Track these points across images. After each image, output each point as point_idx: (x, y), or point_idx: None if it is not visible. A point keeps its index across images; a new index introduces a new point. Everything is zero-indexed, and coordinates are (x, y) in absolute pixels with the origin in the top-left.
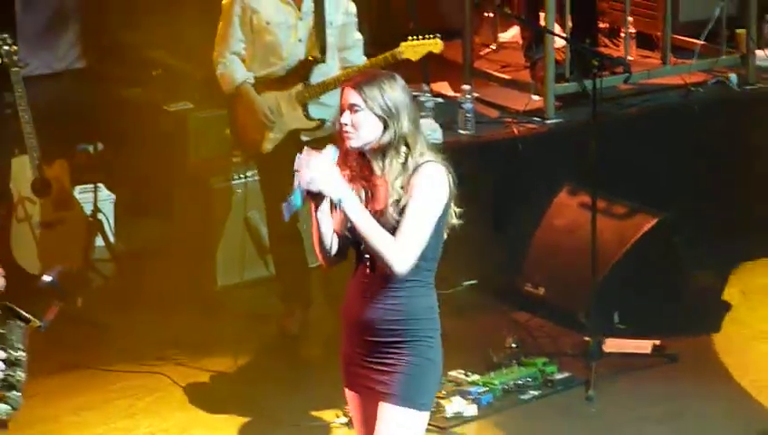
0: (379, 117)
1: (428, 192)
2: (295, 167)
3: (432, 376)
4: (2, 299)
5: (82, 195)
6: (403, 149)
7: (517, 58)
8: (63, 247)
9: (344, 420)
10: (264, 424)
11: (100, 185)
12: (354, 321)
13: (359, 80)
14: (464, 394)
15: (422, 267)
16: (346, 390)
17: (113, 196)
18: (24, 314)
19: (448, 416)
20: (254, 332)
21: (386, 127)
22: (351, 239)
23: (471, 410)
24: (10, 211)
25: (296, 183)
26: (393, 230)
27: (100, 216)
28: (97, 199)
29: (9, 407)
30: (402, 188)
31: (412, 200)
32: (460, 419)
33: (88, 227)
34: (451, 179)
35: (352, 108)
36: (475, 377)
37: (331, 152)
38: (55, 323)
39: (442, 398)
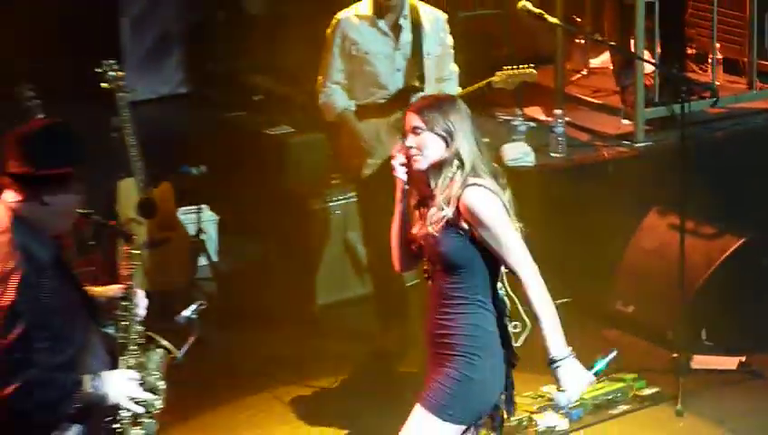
0: (440, 136)
1: (497, 218)
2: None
3: (467, 392)
4: (141, 324)
5: (186, 216)
6: (456, 163)
7: (607, 83)
8: (168, 267)
9: None
10: None
11: (203, 206)
12: (425, 333)
13: (419, 105)
14: (556, 408)
15: (468, 283)
16: None
17: (216, 217)
18: (165, 343)
19: (540, 430)
20: (352, 349)
21: (447, 145)
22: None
23: (563, 424)
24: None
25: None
26: (435, 243)
27: (203, 236)
28: (200, 220)
29: (144, 432)
30: (447, 201)
31: (491, 230)
32: (552, 432)
33: (191, 247)
34: (502, 202)
35: (415, 130)
36: None
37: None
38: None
39: (534, 412)
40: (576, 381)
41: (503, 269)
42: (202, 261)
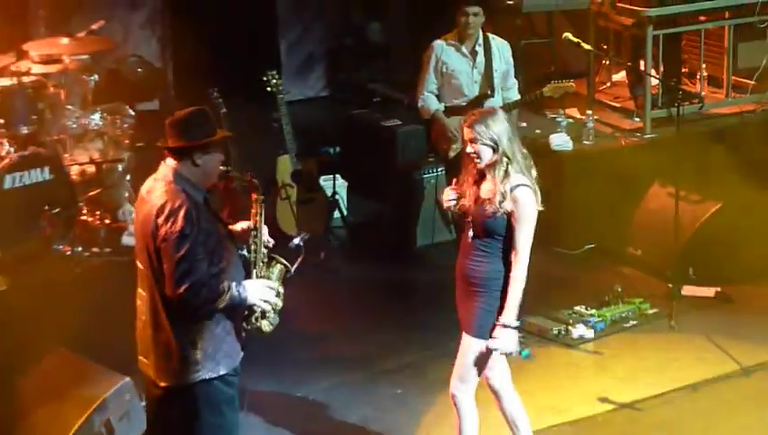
0: (488, 145)
1: (530, 219)
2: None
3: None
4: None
5: (325, 182)
6: (505, 160)
7: (624, 92)
8: (312, 218)
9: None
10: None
11: (337, 175)
12: (458, 272)
13: (470, 120)
14: (585, 323)
15: (496, 241)
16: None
17: (346, 183)
18: (283, 261)
19: (574, 337)
20: (440, 277)
21: (494, 150)
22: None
23: (589, 333)
24: (275, 194)
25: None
26: (483, 215)
27: (337, 197)
28: (335, 186)
29: (269, 323)
30: (502, 194)
31: (521, 225)
32: (582, 339)
33: (329, 205)
34: (537, 195)
35: (471, 141)
36: (592, 311)
37: None
38: (305, 270)
39: (569, 324)
40: (505, 342)
41: None
42: (336, 214)
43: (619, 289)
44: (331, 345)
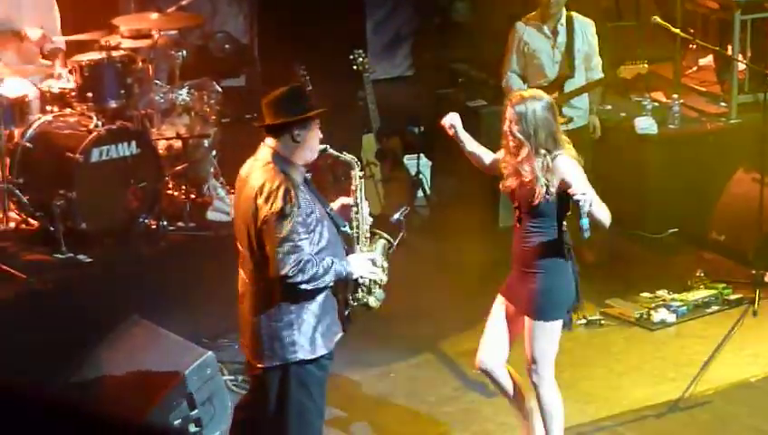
0: (520, 138)
1: (581, 175)
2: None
3: (554, 296)
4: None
5: (409, 161)
6: (543, 152)
7: (711, 76)
8: (395, 197)
9: (584, 321)
10: None
11: (421, 155)
12: (514, 257)
13: (515, 100)
14: (667, 307)
15: (549, 220)
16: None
17: (430, 162)
18: (386, 236)
19: (655, 321)
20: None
21: (529, 142)
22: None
23: (671, 318)
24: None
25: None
26: (530, 198)
27: (420, 176)
28: (419, 165)
29: (376, 298)
30: (546, 180)
31: (576, 183)
32: (664, 324)
33: (412, 184)
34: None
35: (511, 121)
36: (675, 295)
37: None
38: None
39: (651, 308)
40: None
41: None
42: (419, 193)
43: (702, 274)
44: (413, 325)
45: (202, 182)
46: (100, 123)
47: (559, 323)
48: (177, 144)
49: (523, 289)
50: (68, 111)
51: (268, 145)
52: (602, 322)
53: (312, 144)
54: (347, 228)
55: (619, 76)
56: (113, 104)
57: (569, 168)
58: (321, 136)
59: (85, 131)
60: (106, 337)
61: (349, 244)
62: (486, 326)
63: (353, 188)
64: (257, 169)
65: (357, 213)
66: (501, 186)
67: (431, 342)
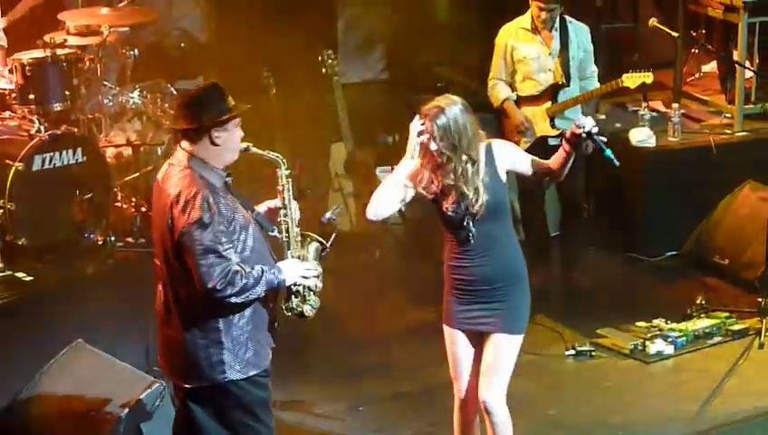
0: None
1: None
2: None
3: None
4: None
5: (382, 174)
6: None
7: (715, 85)
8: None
9: (572, 352)
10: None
11: (395, 167)
12: (462, 277)
13: (432, 112)
14: (664, 338)
15: (498, 224)
16: None
17: None
18: (318, 237)
19: (651, 353)
20: None
21: (453, 152)
22: None
23: (669, 349)
24: (327, 184)
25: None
26: (471, 208)
27: None
28: None
29: (311, 307)
30: (482, 182)
31: (522, 155)
32: (661, 356)
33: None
34: None
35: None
36: (673, 325)
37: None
38: (357, 269)
39: (647, 339)
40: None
41: None
42: None
43: (703, 302)
44: (385, 353)
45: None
46: (42, 128)
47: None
48: (128, 152)
49: (492, 308)
50: (7, 114)
51: (184, 148)
52: (593, 353)
53: (233, 145)
54: (275, 233)
55: (622, 86)
56: (57, 107)
57: (510, 147)
58: (243, 134)
59: (26, 137)
60: (46, 364)
61: (275, 252)
62: (451, 361)
63: (280, 188)
64: (173, 174)
65: (286, 216)
66: (441, 209)
67: (405, 372)
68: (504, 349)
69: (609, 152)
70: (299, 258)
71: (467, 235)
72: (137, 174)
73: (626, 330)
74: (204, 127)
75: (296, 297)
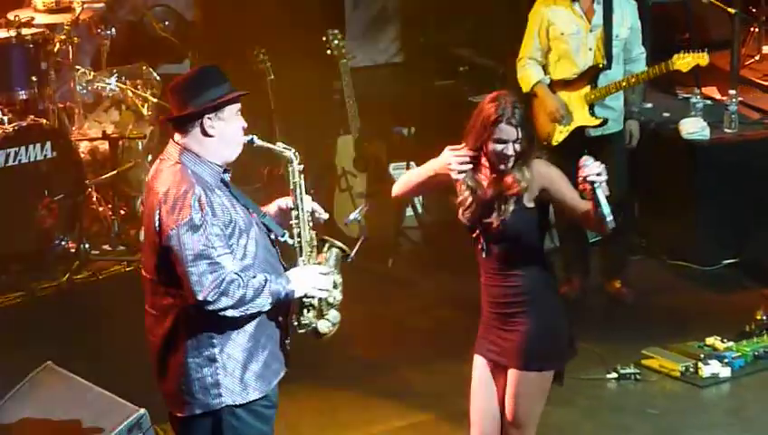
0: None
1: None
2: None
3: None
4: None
5: (396, 171)
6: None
7: None
8: (379, 216)
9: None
10: None
11: (412, 163)
12: (487, 298)
13: (519, 112)
14: (719, 358)
15: (528, 244)
16: None
17: None
18: (339, 243)
19: (705, 376)
20: None
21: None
22: None
23: (725, 371)
24: (333, 183)
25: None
26: (504, 218)
27: None
28: None
29: (329, 323)
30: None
31: (562, 185)
32: (715, 379)
33: (400, 200)
34: None
35: (516, 141)
36: (730, 344)
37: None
38: (367, 279)
39: (700, 360)
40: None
41: None
42: (409, 211)
43: (764, 317)
44: (398, 377)
45: (134, 195)
46: (5, 119)
47: (551, 375)
48: (104, 146)
49: (505, 337)
50: None
51: (176, 142)
52: (638, 376)
53: (231, 137)
54: (286, 237)
55: (672, 68)
56: (23, 95)
57: (552, 170)
58: (245, 125)
59: None
60: (13, 389)
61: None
62: (472, 396)
63: (291, 186)
64: (162, 172)
65: (297, 217)
66: (462, 213)
67: (422, 399)
68: (521, 389)
69: (605, 211)
70: (314, 266)
71: (483, 247)
72: (114, 172)
73: (675, 350)
74: (194, 114)
75: (309, 311)
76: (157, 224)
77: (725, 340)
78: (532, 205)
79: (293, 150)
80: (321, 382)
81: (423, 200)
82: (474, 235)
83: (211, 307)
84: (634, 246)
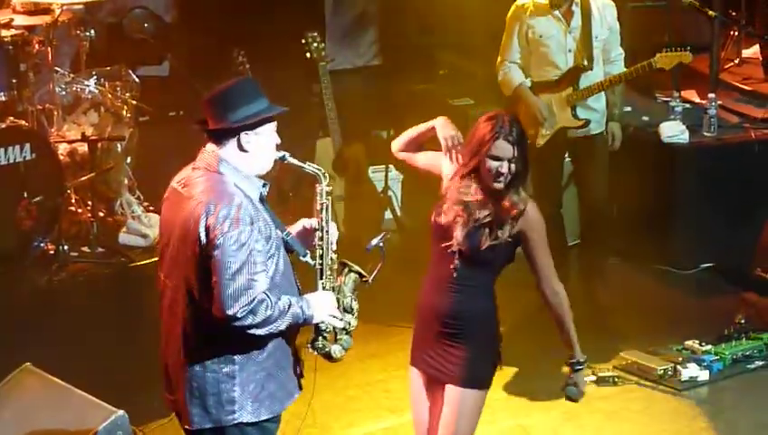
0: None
1: (545, 236)
2: None
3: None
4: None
5: (375, 174)
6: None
7: (757, 72)
8: (357, 219)
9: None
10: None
11: (390, 166)
12: (428, 311)
13: (518, 128)
14: (698, 361)
15: (488, 273)
16: None
17: (401, 176)
18: (357, 268)
19: (683, 379)
20: (518, 299)
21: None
22: None
23: (703, 375)
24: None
25: None
26: (480, 242)
27: (389, 193)
28: (387, 178)
29: (341, 347)
30: (512, 219)
31: (540, 245)
32: (694, 382)
33: (379, 202)
34: None
35: (510, 160)
36: (708, 347)
37: None
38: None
39: (678, 363)
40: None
41: None
42: (387, 215)
43: (743, 320)
44: (378, 379)
45: (113, 197)
46: None
47: (485, 394)
48: (83, 148)
49: (445, 353)
50: None
51: (211, 151)
52: (616, 379)
53: (266, 153)
54: (308, 258)
55: (656, 68)
56: (2, 97)
57: (540, 221)
58: (279, 141)
59: None
60: None
61: (299, 279)
62: (413, 411)
63: (318, 207)
64: (201, 181)
65: (321, 239)
66: (435, 217)
67: (402, 402)
68: (463, 406)
69: (572, 391)
70: (333, 290)
71: (451, 263)
72: (93, 174)
73: (654, 353)
74: (232, 129)
75: (324, 336)
76: (202, 233)
77: (704, 343)
78: (509, 239)
79: (322, 170)
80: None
81: (401, 202)
82: (445, 244)
83: (237, 323)
84: (612, 249)
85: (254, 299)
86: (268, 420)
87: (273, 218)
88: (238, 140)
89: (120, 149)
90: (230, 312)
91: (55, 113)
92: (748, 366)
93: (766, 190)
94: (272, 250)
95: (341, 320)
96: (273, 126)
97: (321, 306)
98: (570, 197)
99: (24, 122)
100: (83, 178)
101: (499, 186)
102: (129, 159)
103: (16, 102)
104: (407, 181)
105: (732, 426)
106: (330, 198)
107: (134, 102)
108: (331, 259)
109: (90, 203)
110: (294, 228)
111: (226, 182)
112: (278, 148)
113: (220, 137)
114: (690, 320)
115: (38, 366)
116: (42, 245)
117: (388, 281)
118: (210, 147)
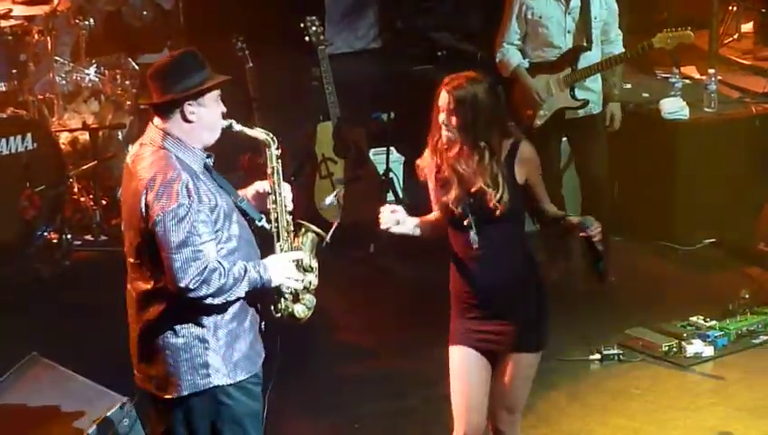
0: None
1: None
2: None
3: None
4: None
5: (376, 156)
6: (483, 146)
7: (757, 47)
8: (358, 201)
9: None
10: None
11: (391, 148)
12: (468, 287)
13: (454, 84)
14: (703, 337)
15: (512, 229)
16: None
17: (402, 158)
18: (315, 228)
19: (688, 355)
20: None
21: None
22: None
23: (708, 350)
24: (314, 169)
25: None
26: (488, 206)
27: (390, 175)
28: (389, 161)
29: (305, 307)
30: (502, 174)
31: (539, 179)
32: (698, 358)
33: (380, 185)
34: None
35: (449, 111)
36: (713, 323)
37: None
38: (349, 265)
39: (683, 339)
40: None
41: None
42: (389, 196)
43: (747, 295)
44: (383, 362)
45: (115, 184)
46: None
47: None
48: (84, 137)
49: (502, 323)
50: None
51: (156, 126)
52: (622, 356)
53: (211, 122)
54: (263, 222)
55: (656, 48)
56: (2, 87)
57: (536, 162)
58: (224, 110)
59: None
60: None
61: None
62: (460, 389)
63: (269, 171)
64: (146, 156)
65: (275, 202)
66: (441, 202)
67: (409, 384)
68: (523, 372)
69: (600, 267)
70: (290, 253)
71: (469, 238)
72: (95, 162)
73: (659, 330)
74: (175, 101)
75: (286, 297)
76: (143, 209)
77: (708, 319)
78: (522, 182)
79: (271, 135)
80: (305, 367)
81: (403, 184)
82: (465, 222)
83: (192, 295)
84: (614, 227)
85: (204, 268)
86: (249, 381)
87: (224, 185)
88: (182, 112)
89: (121, 137)
90: (182, 284)
91: (56, 103)
92: (753, 341)
93: (766, 165)
94: (220, 217)
95: (302, 281)
96: (216, 95)
97: (279, 269)
98: (570, 175)
99: (24, 112)
100: (85, 167)
101: (449, 135)
102: (130, 147)
103: (17, 92)
104: (409, 163)
105: (737, 400)
106: (279, 161)
107: (134, 91)
108: (287, 221)
109: (92, 191)
110: (248, 193)
111: (169, 156)
112: (225, 116)
113: (165, 111)
114: (694, 296)
115: (44, 355)
116: (45, 234)
117: (391, 262)
118: (156, 121)
